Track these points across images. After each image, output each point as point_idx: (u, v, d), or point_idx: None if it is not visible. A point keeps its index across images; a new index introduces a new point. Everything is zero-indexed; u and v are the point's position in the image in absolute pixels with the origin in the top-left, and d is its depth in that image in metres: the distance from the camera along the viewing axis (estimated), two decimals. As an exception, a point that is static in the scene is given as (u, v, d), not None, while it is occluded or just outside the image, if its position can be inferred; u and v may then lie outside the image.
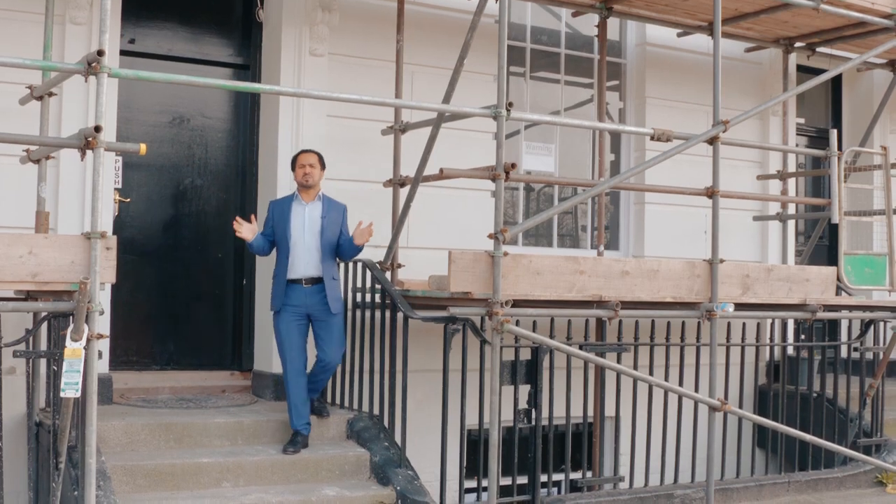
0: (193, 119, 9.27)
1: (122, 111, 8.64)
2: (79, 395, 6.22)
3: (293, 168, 8.15)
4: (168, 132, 9.17)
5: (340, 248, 8.06)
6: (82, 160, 6.46)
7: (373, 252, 8.72)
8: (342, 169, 9.08)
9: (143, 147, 6.41)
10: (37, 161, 7.38)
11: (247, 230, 7.86)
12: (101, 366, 7.29)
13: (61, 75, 6.95)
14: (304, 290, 7.93)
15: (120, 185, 8.73)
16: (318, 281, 7.95)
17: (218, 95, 9.37)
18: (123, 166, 8.75)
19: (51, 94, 7.43)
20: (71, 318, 6.18)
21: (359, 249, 8.03)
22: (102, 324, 6.33)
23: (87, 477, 6.18)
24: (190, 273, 9.28)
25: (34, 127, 7.41)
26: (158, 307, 9.16)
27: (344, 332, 8.22)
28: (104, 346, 7.58)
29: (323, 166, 8.15)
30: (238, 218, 7.94)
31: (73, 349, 6.08)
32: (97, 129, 6.08)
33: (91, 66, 6.14)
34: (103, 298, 6.32)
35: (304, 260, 7.94)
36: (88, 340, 6.10)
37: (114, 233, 7.73)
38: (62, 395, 6.23)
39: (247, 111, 9.42)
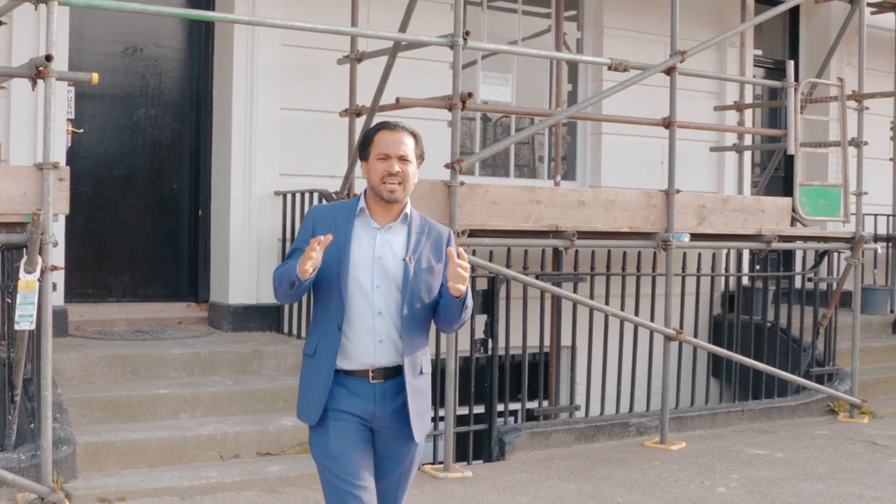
0: (147, 48, 9.14)
1: (73, 40, 8.50)
2: (33, 327, 6.20)
3: (364, 155, 4.42)
4: (121, 62, 9.04)
5: (440, 310, 4.37)
6: (33, 90, 6.40)
7: (329, 182, 8.69)
8: (298, 99, 9.03)
9: (95, 76, 6.37)
10: (-13, 91, 7.29)
11: (315, 261, 4.11)
12: (56, 298, 7.25)
13: (10, 3, 6.83)
14: (368, 390, 4.28)
15: (73, 116, 8.61)
16: (395, 373, 4.30)
17: (172, 24, 9.23)
18: (76, 97, 8.62)
19: (0, 24, 7.30)
20: (24, 249, 6.14)
21: (464, 314, 4.33)
22: (57, 255, 6.29)
23: (44, 409, 6.17)
24: (145, 204, 9.19)
25: (-17, 56, 7.31)
26: (114, 239, 9.09)
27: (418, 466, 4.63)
28: (59, 278, 7.53)
29: (421, 156, 4.62)
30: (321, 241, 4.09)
31: (27, 281, 6.04)
32: (48, 58, 6.01)
33: (40, -7, 6.05)
34: (57, 230, 6.29)
35: (372, 334, 4.27)
36: (42, 272, 6.07)
37: (67, 164, 7.63)
38: (17, 327, 6.21)
39: (201, 40, 9.29)
